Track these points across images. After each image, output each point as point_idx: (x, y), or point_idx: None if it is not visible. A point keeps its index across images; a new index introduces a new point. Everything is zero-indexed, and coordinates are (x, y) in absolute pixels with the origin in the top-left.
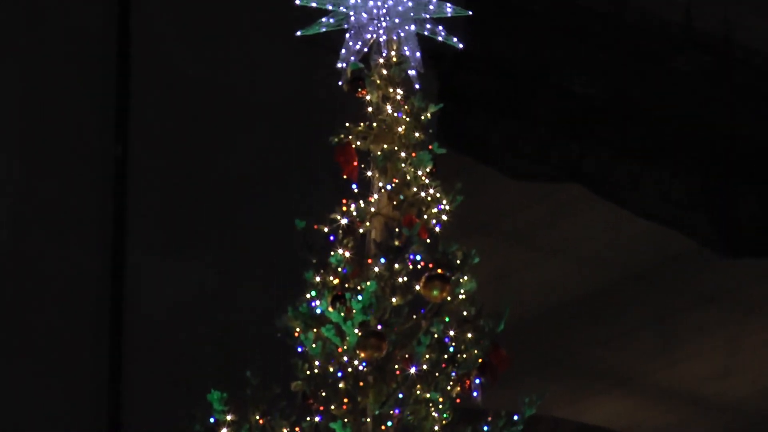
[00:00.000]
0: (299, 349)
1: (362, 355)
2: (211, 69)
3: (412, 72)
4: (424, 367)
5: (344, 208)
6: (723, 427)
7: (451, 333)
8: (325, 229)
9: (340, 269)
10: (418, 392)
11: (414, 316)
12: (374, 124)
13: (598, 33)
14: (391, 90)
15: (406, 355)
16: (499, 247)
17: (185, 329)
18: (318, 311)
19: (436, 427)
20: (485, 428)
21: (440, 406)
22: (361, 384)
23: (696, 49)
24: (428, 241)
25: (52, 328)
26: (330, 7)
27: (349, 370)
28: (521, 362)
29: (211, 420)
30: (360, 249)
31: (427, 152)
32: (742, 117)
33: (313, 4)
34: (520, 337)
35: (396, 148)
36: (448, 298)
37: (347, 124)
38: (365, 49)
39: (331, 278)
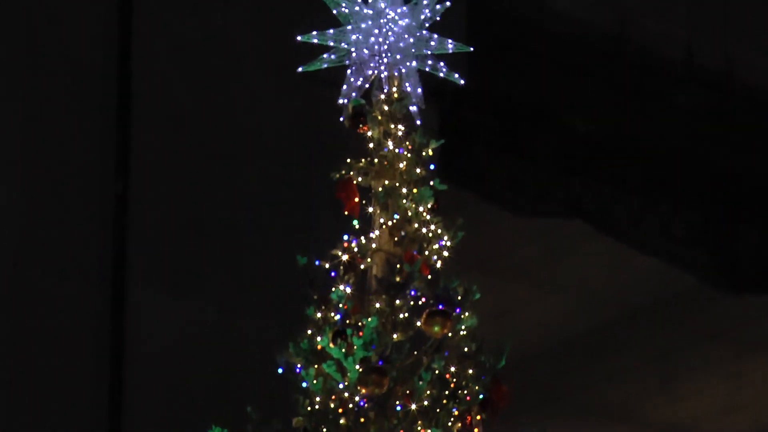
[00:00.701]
0: (301, 385)
1: (363, 391)
2: (212, 105)
3: (413, 108)
4: (425, 403)
5: (345, 244)
6: None
7: (452, 369)
8: (327, 265)
9: (341, 305)
10: (420, 428)
11: (415, 352)
12: (375, 160)
13: (599, 70)
14: (392, 126)
15: (407, 392)
16: (500, 284)
17: (186, 365)
18: (319, 347)
19: None
20: None
21: None
22: (362, 420)
23: (697, 86)
24: (429, 277)
25: (52, 365)
26: (331, 43)
27: (350, 406)
28: (522, 398)
29: None
30: (361, 285)
31: (429, 188)
32: (743, 154)
33: (315, 41)
34: (521, 373)
35: (397, 184)
36: (449, 334)
37: (348, 160)
38: (366, 85)
39: (332, 314)
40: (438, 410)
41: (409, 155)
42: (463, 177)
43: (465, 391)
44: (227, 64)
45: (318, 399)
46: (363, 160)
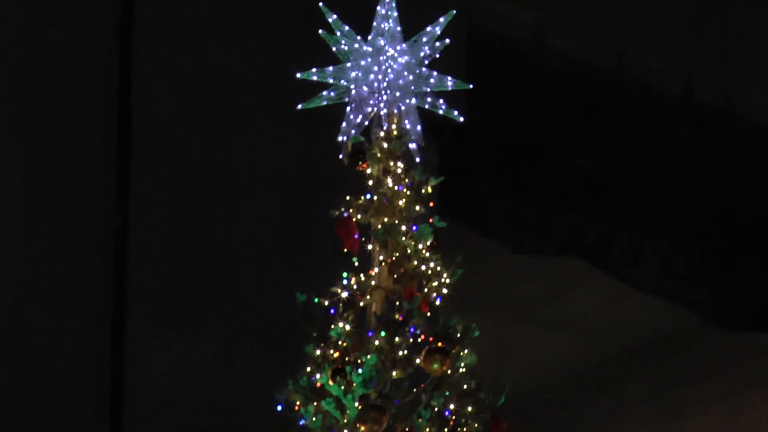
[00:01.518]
0: (300, 422)
1: (362, 428)
2: (211, 142)
3: (412, 145)
4: None
5: (345, 282)
6: None
7: (452, 406)
8: (326, 303)
9: (340, 342)
10: None
11: (414, 390)
12: (375, 198)
13: (599, 106)
14: (391, 163)
15: (407, 429)
16: (499, 321)
17: (185, 402)
18: (318, 384)
19: None
20: None
21: None
22: None
23: (696, 122)
24: (429, 314)
25: (53, 399)
26: (331, 81)
27: None
28: None
29: None
30: (360, 322)
31: (428, 226)
32: (743, 190)
33: (314, 78)
34: (521, 410)
35: (396, 222)
36: (449, 372)
37: (348, 198)
38: (366, 123)
39: (332, 351)
40: None
41: (408, 192)
42: (462, 214)
43: (464, 429)
44: (226, 100)
45: None
46: (362, 197)
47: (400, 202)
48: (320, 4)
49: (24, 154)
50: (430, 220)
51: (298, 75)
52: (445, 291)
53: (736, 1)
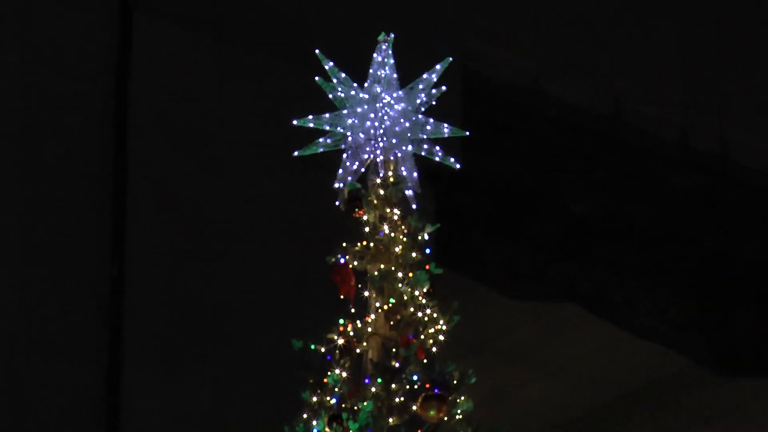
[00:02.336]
0: None
1: None
2: (207, 188)
3: (409, 192)
4: None
5: (341, 328)
6: None
7: None
8: (322, 349)
9: (337, 389)
10: None
11: None
12: (371, 244)
13: (594, 152)
14: (388, 210)
15: None
16: (495, 367)
17: None
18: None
19: None
20: None
21: None
22: None
23: (692, 168)
24: (425, 361)
25: None
26: (327, 128)
27: None
28: None
29: None
30: (357, 369)
31: (424, 272)
32: (738, 236)
33: (311, 125)
34: None
35: (393, 268)
36: (445, 419)
37: (344, 244)
38: (362, 169)
39: (328, 398)
40: None
41: (404, 239)
42: (458, 261)
43: None
44: (222, 147)
45: None
46: (359, 243)
47: (397, 249)
48: (317, 51)
49: (19, 200)
50: (427, 267)
51: (294, 122)
52: (441, 337)
53: (731, 48)
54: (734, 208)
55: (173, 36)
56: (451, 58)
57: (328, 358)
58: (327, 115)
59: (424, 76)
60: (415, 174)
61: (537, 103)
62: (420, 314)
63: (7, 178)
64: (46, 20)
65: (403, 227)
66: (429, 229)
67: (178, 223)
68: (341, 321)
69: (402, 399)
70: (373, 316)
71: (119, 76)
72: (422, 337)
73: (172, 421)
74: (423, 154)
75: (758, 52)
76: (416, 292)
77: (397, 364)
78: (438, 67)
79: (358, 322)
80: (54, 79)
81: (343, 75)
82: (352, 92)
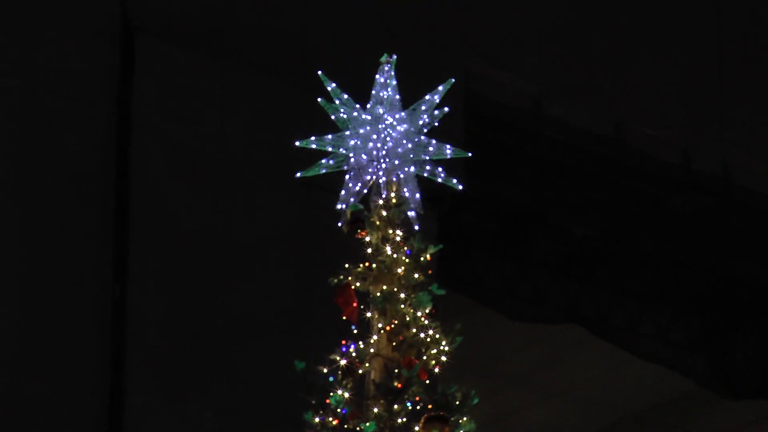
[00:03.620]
0: None
1: None
2: (209, 211)
3: (411, 213)
4: None
5: (344, 349)
6: None
7: None
8: (325, 370)
9: (339, 410)
10: None
11: None
12: (374, 266)
13: (597, 175)
14: (390, 231)
15: None
16: (498, 388)
17: None
18: None
19: None
20: None
21: None
22: None
23: (694, 190)
24: (428, 382)
25: None
26: (330, 149)
27: None
28: None
29: None
30: (359, 390)
31: (427, 293)
32: (741, 258)
33: (313, 146)
34: None
35: (395, 289)
36: None
37: (346, 265)
38: (365, 191)
39: (331, 419)
40: None
41: (407, 260)
42: (461, 282)
43: None
44: (224, 170)
45: None
46: (361, 265)
47: (399, 270)
48: (319, 72)
49: (22, 222)
50: (429, 288)
51: (297, 143)
52: (444, 359)
53: (733, 70)
54: (736, 230)
55: (175, 59)
56: (453, 80)
57: (331, 378)
58: (329, 136)
59: (427, 97)
60: (417, 195)
61: (539, 126)
62: (422, 335)
63: (10, 200)
64: (48, 44)
65: (405, 248)
66: (431, 250)
67: (180, 245)
68: (344, 342)
69: (404, 420)
70: (375, 337)
71: (121, 100)
72: (425, 358)
73: None
74: (425, 175)
75: (759, 76)
76: (419, 313)
77: (399, 385)
78: (440, 88)
79: (360, 343)
80: (56, 103)
81: (346, 96)
82: (355, 113)
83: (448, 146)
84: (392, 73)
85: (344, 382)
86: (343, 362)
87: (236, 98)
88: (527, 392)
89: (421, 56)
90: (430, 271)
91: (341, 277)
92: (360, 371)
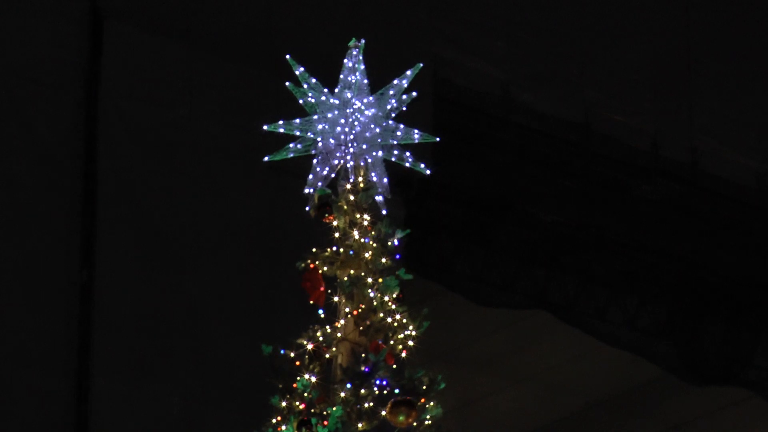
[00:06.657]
0: None
1: None
2: (177, 195)
3: (379, 198)
4: None
5: (310, 333)
6: None
7: None
8: (292, 354)
9: (306, 394)
10: None
11: None
12: (341, 250)
13: (564, 161)
14: (358, 216)
15: None
16: (464, 374)
17: None
18: None
19: None
20: None
21: None
22: None
23: (663, 177)
24: (394, 366)
25: None
26: (297, 133)
27: None
28: None
29: None
30: (326, 374)
31: (394, 278)
32: (708, 245)
33: (281, 130)
34: None
35: (363, 274)
36: (414, 424)
37: (314, 250)
38: (332, 175)
39: (297, 403)
40: None
41: (374, 245)
42: (428, 267)
43: None
44: (192, 154)
45: None
46: (328, 249)
47: (367, 255)
48: (287, 56)
49: None
50: (396, 273)
51: (265, 127)
52: (411, 343)
53: (701, 57)
54: (704, 217)
55: (143, 44)
56: (421, 65)
57: (298, 363)
58: (297, 120)
59: (395, 82)
60: (385, 180)
61: (508, 112)
62: (389, 320)
63: None
64: (16, 28)
65: (372, 233)
66: (399, 234)
67: (147, 229)
68: (311, 326)
69: (371, 404)
70: (342, 322)
71: (89, 84)
72: (392, 342)
73: (141, 427)
74: (393, 159)
75: (728, 62)
76: (386, 298)
77: (366, 370)
78: (409, 73)
79: (327, 327)
80: (24, 87)
81: (314, 80)
82: (323, 98)
83: (416, 131)
84: (360, 58)
85: (311, 366)
86: (309, 346)
87: (204, 83)
88: (495, 377)
89: (389, 41)
90: (397, 256)
91: (308, 261)
92: (327, 356)
